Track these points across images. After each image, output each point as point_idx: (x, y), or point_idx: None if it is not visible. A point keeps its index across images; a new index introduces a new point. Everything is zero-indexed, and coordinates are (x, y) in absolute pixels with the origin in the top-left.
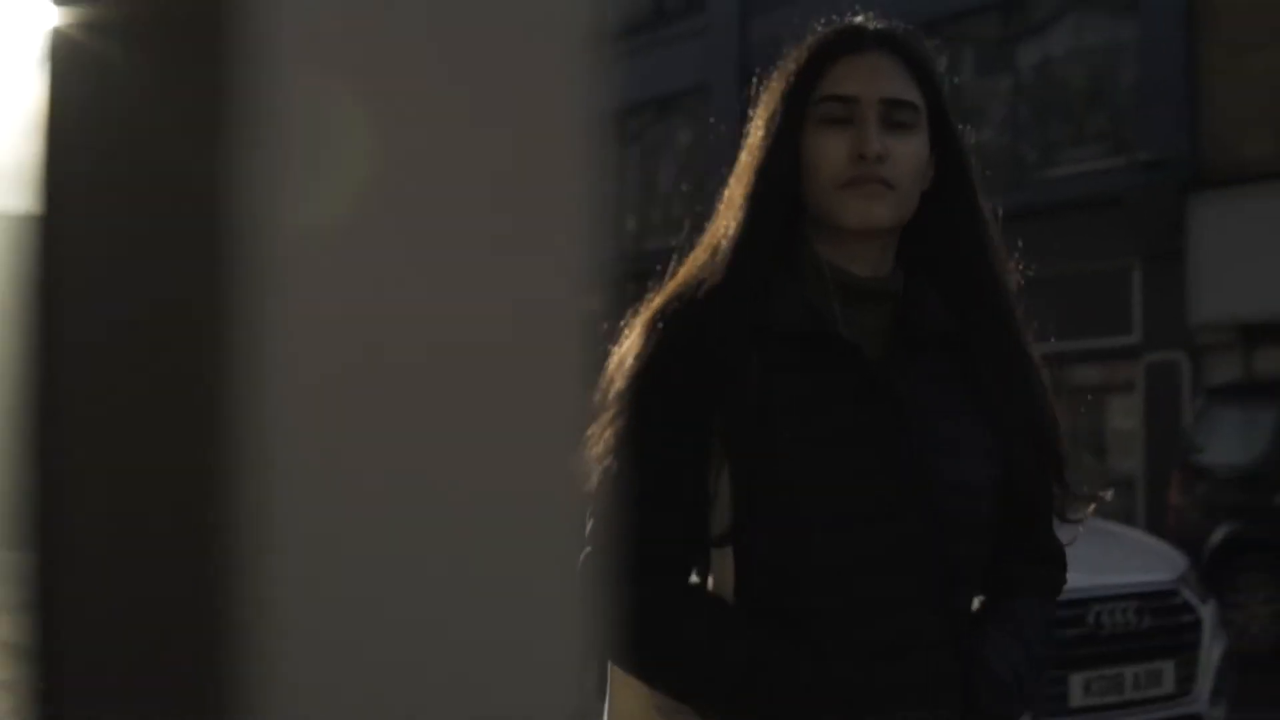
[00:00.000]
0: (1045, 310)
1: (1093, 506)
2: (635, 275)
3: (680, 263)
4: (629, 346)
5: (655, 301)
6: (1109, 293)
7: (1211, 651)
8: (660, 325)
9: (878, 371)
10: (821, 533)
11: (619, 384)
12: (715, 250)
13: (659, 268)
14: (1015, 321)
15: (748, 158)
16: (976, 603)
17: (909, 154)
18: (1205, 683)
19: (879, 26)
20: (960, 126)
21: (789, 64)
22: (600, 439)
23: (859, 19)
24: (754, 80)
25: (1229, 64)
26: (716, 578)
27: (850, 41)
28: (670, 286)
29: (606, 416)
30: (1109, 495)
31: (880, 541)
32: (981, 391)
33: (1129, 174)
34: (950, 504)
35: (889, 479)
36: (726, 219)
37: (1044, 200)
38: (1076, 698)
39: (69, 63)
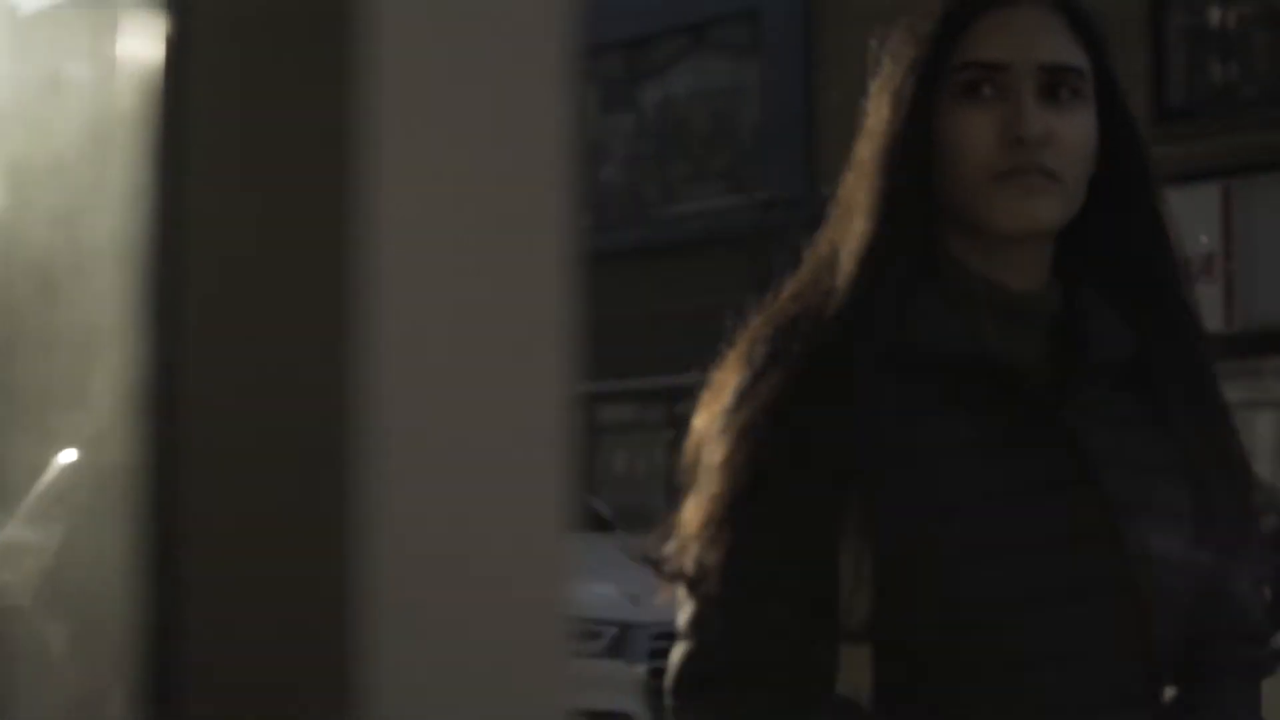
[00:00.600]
0: (667, 345)
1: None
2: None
3: (785, 275)
4: (726, 386)
5: (759, 323)
6: (728, 328)
7: None
8: (770, 353)
9: (1052, 409)
10: (993, 620)
11: (719, 435)
12: (833, 263)
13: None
14: (1204, 346)
15: (869, 145)
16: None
17: (1077, 135)
18: None
19: None
20: (1126, 101)
21: (919, 23)
22: (694, 518)
23: None
24: (873, 44)
25: (846, 107)
26: (848, 682)
27: None
28: (779, 303)
29: (702, 485)
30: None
31: (1068, 629)
32: (1170, 436)
33: (749, 212)
34: (1153, 581)
35: (1077, 549)
36: (849, 223)
37: (666, 237)
38: None
39: (188, 69)
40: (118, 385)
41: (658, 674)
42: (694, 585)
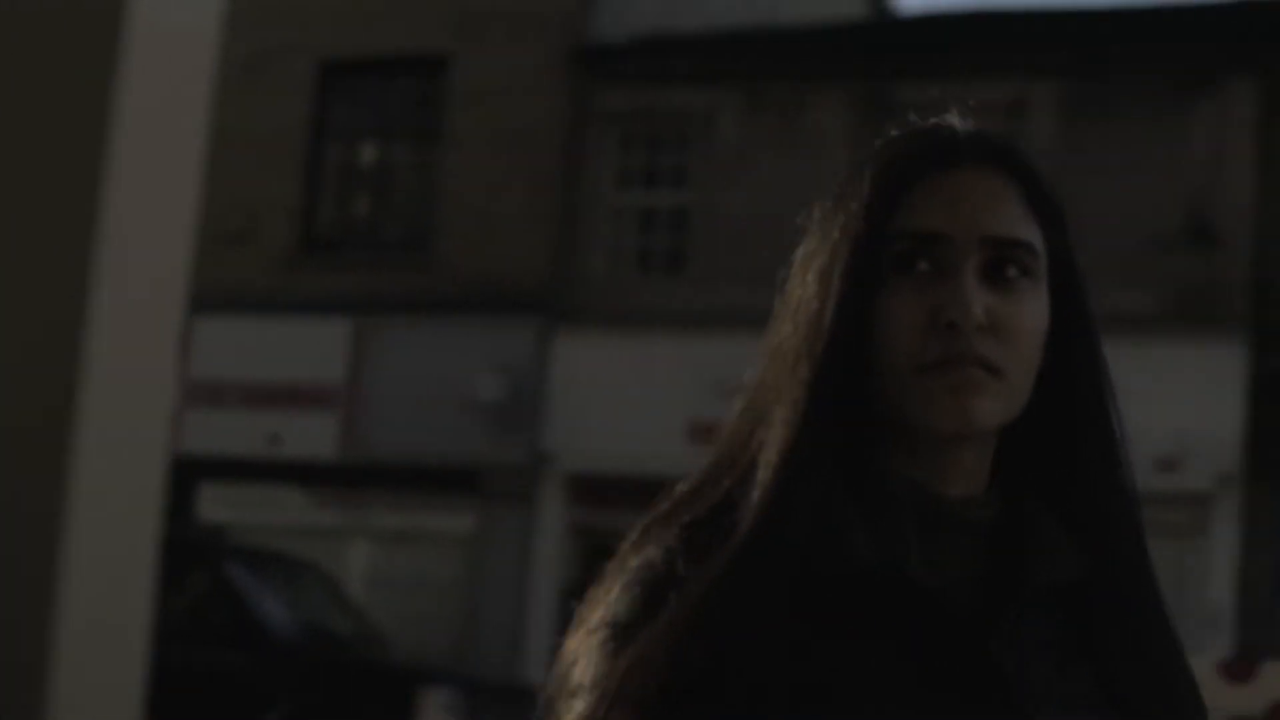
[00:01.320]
0: None
1: None
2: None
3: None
4: (600, 606)
5: (647, 526)
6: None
7: None
8: (661, 572)
9: (978, 639)
10: None
11: (598, 657)
12: (739, 460)
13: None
14: (1149, 565)
15: (791, 329)
16: None
17: (1025, 321)
18: None
19: (976, 131)
20: (1083, 281)
21: (850, 189)
22: None
23: (949, 117)
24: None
25: None
26: None
27: (939, 152)
28: (672, 505)
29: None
30: None
31: None
32: (1109, 671)
33: None
34: None
35: None
36: (765, 419)
37: None
38: None
39: None
40: None
41: None
42: None
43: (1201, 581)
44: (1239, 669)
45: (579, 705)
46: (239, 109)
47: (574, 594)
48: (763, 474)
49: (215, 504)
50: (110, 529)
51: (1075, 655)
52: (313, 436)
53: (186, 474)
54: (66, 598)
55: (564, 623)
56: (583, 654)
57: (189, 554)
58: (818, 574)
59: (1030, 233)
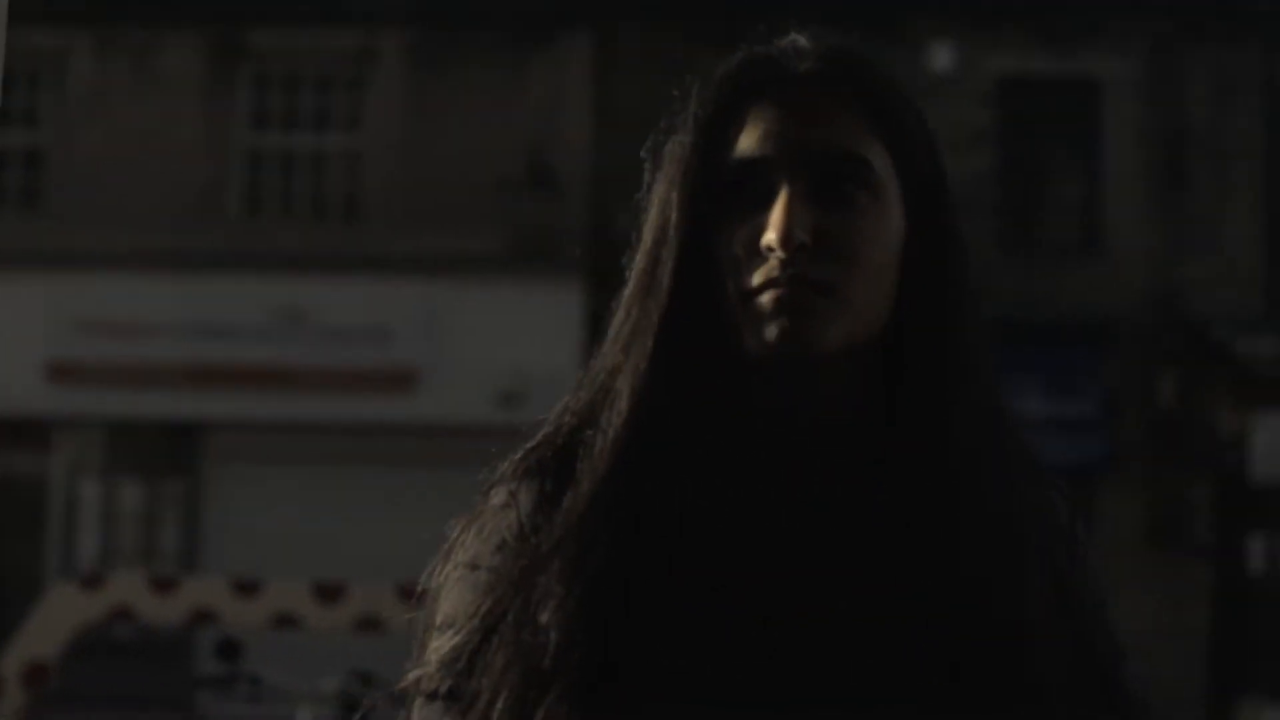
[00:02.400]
0: None
1: None
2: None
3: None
4: (458, 546)
5: (496, 476)
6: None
7: None
8: (495, 520)
9: (792, 569)
10: None
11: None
12: (590, 400)
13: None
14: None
15: (643, 260)
16: None
17: (859, 237)
18: None
19: (817, 45)
20: (955, 211)
21: (685, 114)
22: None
23: (793, 37)
24: (652, 136)
25: None
26: None
27: (767, 73)
28: (536, 444)
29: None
30: None
31: None
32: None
33: None
34: None
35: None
36: (621, 350)
37: None
38: None
39: None
40: None
41: None
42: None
43: None
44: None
45: (451, 637)
46: None
47: None
48: (608, 414)
49: None
50: None
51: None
52: None
53: None
54: None
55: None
56: (445, 591)
57: None
58: (653, 512)
59: (866, 148)
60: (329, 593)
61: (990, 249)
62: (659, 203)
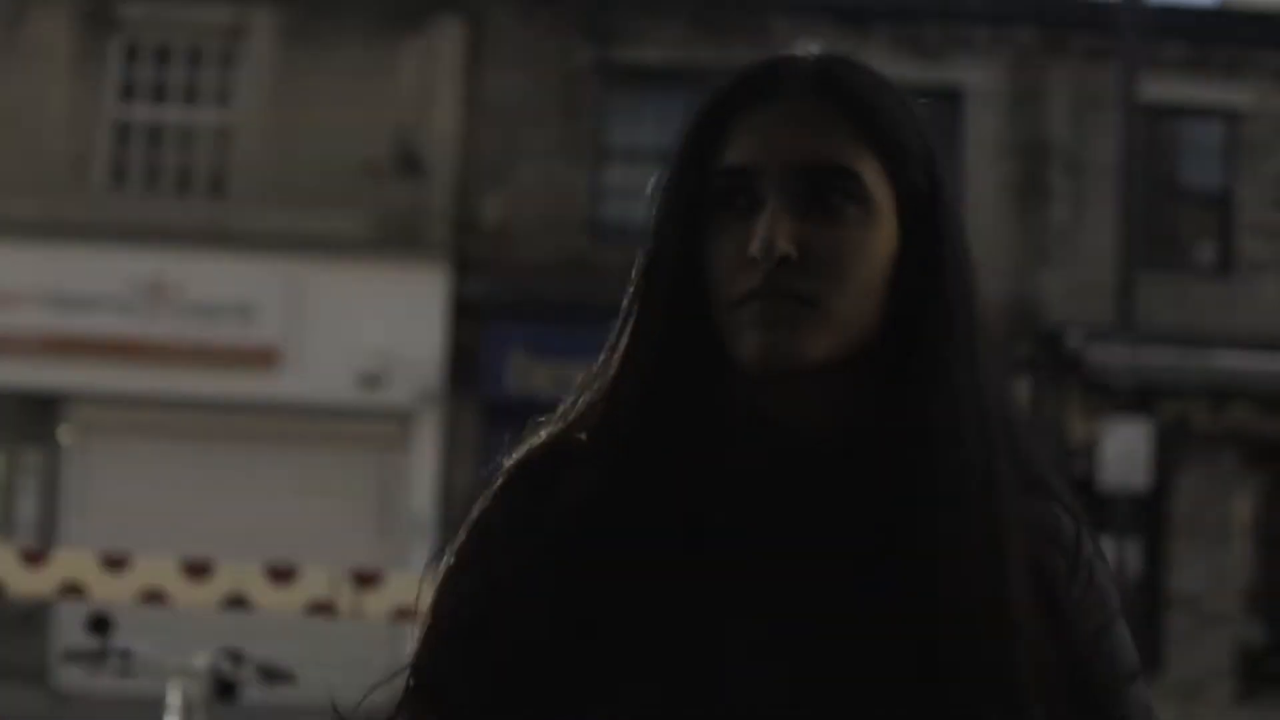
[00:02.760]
0: None
1: None
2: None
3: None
4: (475, 511)
5: (512, 467)
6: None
7: None
8: (476, 526)
9: (754, 578)
10: None
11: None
12: (598, 395)
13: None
14: (991, 549)
15: (640, 263)
16: None
17: (844, 249)
18: None
19: (813, 56)
20: (956, 221)
21: (686, 122)
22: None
23: (796, 49)
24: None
25: None
26: None
27: (760, 84)
28: (539, 444)
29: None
30: None
31: None
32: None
33: None
34: None
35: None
36: (619, 353)
37: None
38: None
39: None
40: None
41: None
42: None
43: (405, 492)
44: None
45: (432, 640)
46: None
47: None
48: (601, 422)
49: None
50: None
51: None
52: None
53: None
54: None
55: None
56: (431, 588)
57: None
58: (638, 522)
59: (855, 160)
60: (197, 569)
61: None
62: (654, 212)
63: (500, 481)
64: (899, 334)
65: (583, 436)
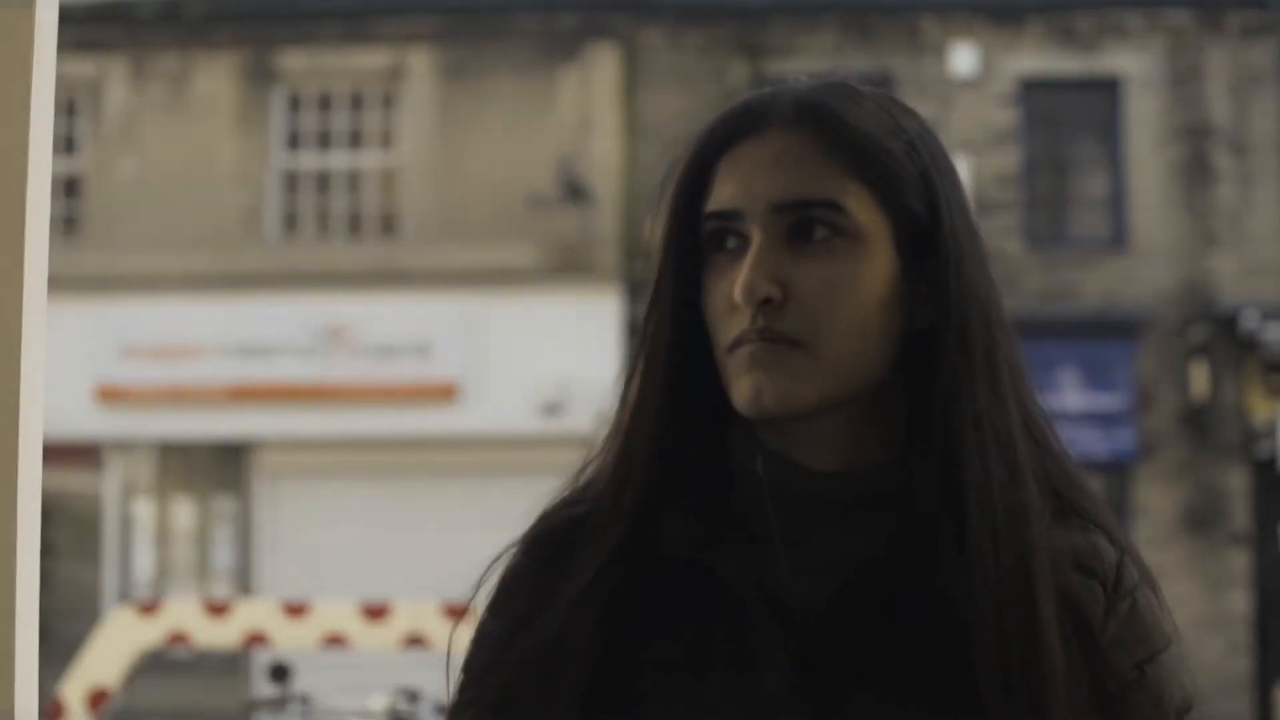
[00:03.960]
0: None
1: None
2: None
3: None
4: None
5: (535, 528)
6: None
7: None
8: (503, 578)
9: (783, 622)
10: None
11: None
12: (611, 452)
13: None
14: (1020, 585)
15: (645, 316)
16: None
17: (828, 286)
18: None
19: (794, 88)
20: (960, 243)
21: (673, 168)
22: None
23: (783, 82)
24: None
25: None
26: None
27: (742, 121)
28: (556, 509)
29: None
30: None
31: None
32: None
33: None
34: None
35: None
36: (628, 409)
37: None
38: None
39: None
40: None
41: None
42: None
43: None
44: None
45: (466, 691)
46: None
47: None
48: (604, 467)
49: None
50: None
51: (941, 632)
52: None
53: None
54: None
55: None
56: (471, 638)
57: None
58: (640, 569)
59: (837, 190)
60: (376, 612)
61: (1018, 246)
62: (654, 260)
63: (527, 538)
64: (913, 365)
65: (598, 492)
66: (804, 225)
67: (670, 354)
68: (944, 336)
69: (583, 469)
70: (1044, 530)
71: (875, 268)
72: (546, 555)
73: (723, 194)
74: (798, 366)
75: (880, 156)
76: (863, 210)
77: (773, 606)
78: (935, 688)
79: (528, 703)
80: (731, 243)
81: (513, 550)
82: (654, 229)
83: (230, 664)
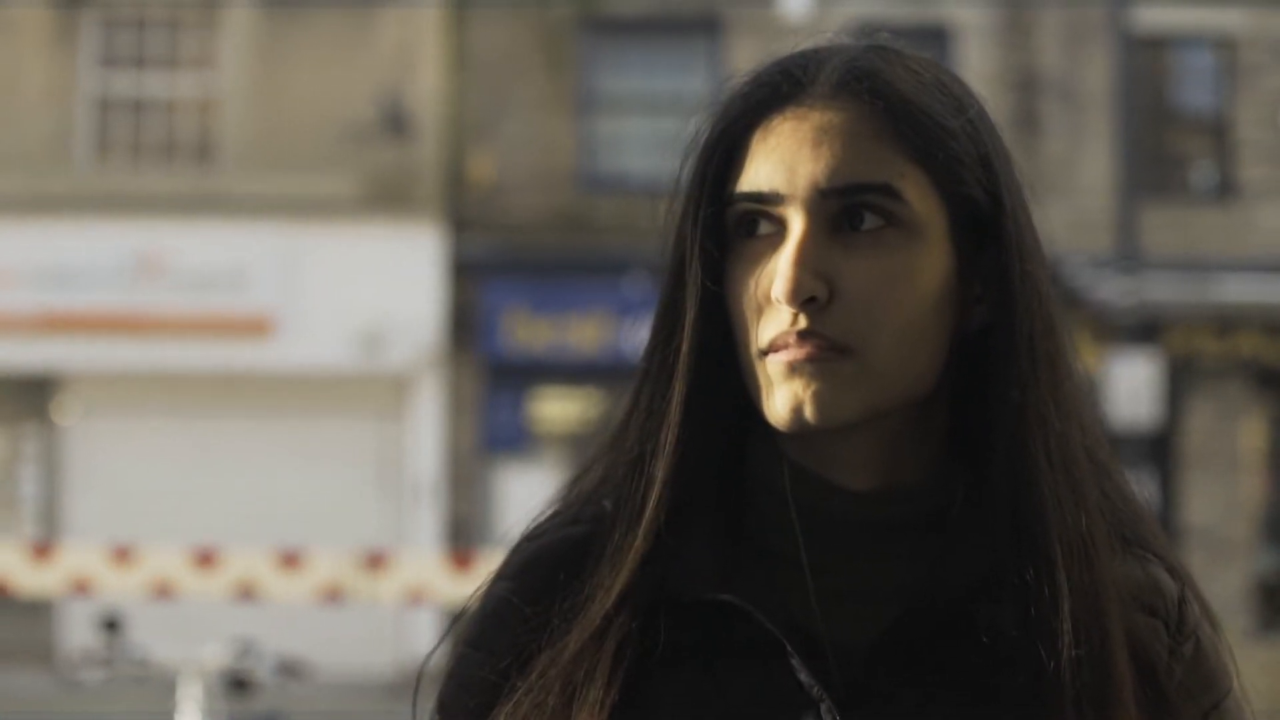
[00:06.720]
0: None
1: None
2: None
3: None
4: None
5: (518, 547)
6: None
7: None
8: (487, 605)
9: (812, 669)
10: None
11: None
12: (622, 466)
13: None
14: (1090, 595)
15: (660, 307)
16: None
17: (886, 281)
18: None
19: (839, 53)
20: (1023, 236)
21: (698, 135)
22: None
23: (822, 39)
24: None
25: None
26: None
27: (784, 87)
28: (553, 505)
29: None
30: None
31: None
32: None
33: None
34: None
35: None
36: (639, 422)
37: None
38: None
39: None
40: None
41: None
42: None
43: (408, 456)
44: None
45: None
46: None
47: None
48: (607, 482)
49: None
50: None
51: (983, 672)
52: None
53: None
54: None
55: None
56: (445, 655)
57: None
58: (661, 604)
59: (892, 173)
60: (206, 559)
61: None
62: (672, 245)
63: (516, 563)
64: (967, 375)
65: (610, 509)
66: (852, 212)
67: (696, 355)
68: (1006, 341)
69: (575, 481)
70: (1112, 566)
71: (931, 262)
72: (540, 584)
73: (757, 173)
74: (844, 376)
75: (940, 135)
76: (919, 197)
77: (809, 645)
78: None
79: None
80: (764, 228)
81: (500, 580)
82: (670, 208)
83: (38, 605)
